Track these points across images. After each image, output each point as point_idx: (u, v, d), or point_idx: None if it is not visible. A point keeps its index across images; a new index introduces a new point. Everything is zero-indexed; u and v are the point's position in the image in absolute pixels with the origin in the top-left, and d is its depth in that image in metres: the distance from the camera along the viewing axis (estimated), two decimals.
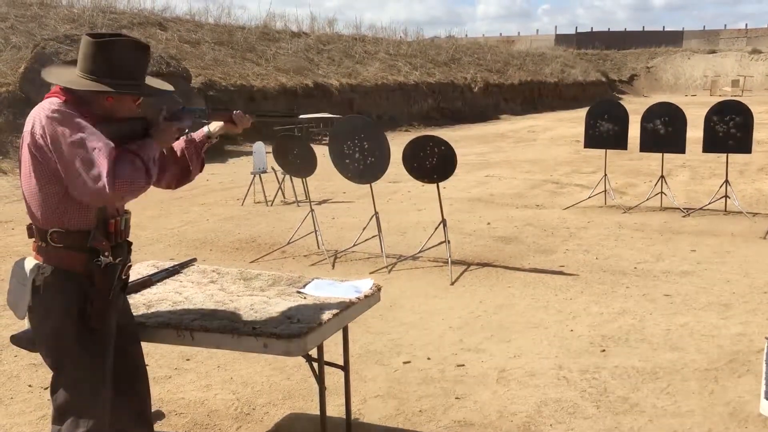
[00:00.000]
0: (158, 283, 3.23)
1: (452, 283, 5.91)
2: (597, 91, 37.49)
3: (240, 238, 7.65)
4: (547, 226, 8.11)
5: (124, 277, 2.54)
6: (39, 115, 2.30)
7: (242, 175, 12.01)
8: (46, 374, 4.02)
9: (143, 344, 2.72)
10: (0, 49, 15.79)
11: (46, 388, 3.88)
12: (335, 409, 3.51)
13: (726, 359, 4.24)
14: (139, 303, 2.95)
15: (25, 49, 15.77)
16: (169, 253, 6.89)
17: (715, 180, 10.48)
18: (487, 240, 7.45)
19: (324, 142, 15.31)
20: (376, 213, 6.82)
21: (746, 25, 52.22)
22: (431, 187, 6.83)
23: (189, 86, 16.39)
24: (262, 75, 20.71)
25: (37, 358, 4.09)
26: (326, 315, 2.78)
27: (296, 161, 6.95)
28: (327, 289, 3.09)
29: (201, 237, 7.72)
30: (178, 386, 3.97)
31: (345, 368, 3.22)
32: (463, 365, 4.21)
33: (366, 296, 3.06)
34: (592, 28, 64.83)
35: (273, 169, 9.31)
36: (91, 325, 2.39)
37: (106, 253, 2.39)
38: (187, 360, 4.31)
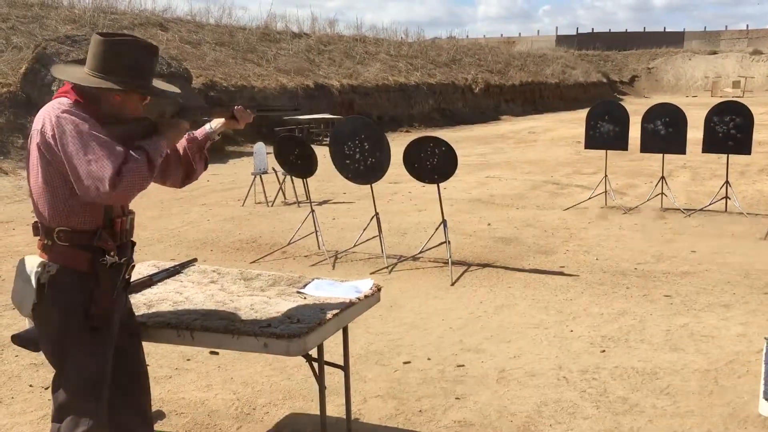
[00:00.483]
0: (159, 283, 3.24)
1: (452, 284, 5.92)
2: (598, 92, 37.50)
3: (241, 239, 7.66)
4: (548, 226, 8.12)
5: (127, 277, 2.56)
6: (49, 114, 2.31)
7: (243, 175, 12.02)
8: (47, 374, 4.03)
9: (144, 344, 2.72)
10: (1, 49, 15.82)
11: (47, 388, 3.89)
12: (335, 409, 3.52)
13: (726, 360, 4.24)
14: (140, 303, 2.96)
15: (26, 49, 15.80)
16: (170, 253, 6.90)
17: (715, 181, 10.49)
18: (488, 241, 7.45)
19: (325, 142, 15.32)
20: (377, 213, 6.83)
21: (747, 26, 52.25)
22: (432, 188, 6.84)
23: (190, 87, 16.40)
24: (263, 76, 20.73)
25: (38, 358, 4.10)
26: (326, 315, 2.79)
27: (297, 162, 6.95)
28: (327, 289, 3.10)
29: (202, 237, 7.73)
30: (179, 386, 3.97)
31: (345, 368, 3.22)
32: (463, 365, 4.21)
33: (366, 296, 3.06)
34: (593, 29, 64.94)
35: (274, 169, 9.32)
36: (94, 325, 2.40)
37: (112, 253, 2.41)
38: (188, 360, 4.32)
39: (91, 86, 2.38)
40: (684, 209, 8.81)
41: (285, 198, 9.93)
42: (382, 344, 4.59)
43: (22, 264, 2.43)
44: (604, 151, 9.39)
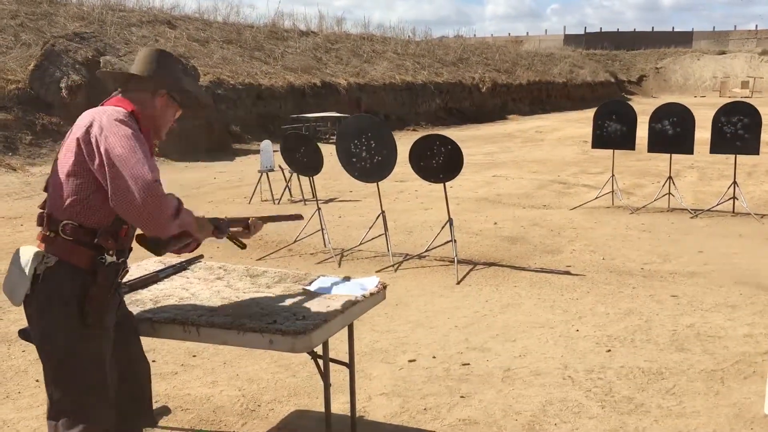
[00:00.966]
0: (165, 279, 3.25)
1: (458, 283, 5.92)
2: (606, 91, 37.40)
3: None
4: (554, 226, 8.10)
5: (119, 280, 2.56)
6: (101, 116, 2.35)
7: (250, 173, 12.05)
8: None
9: (150, 340, 2.74)
10: (10, 46, 15.88)
11: None
12: (340, 406, 3.52)
13: (732, 360, 4.23)
14: (146, 299, 2.97)
15: (34, 46, 15.87)
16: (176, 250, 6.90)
17: (723, 181, 10.45)
18: (494, 240, 7.44)
19: (331, 140, 15.33)
20: (383, 212, 6.83)
21: (756, 26, 51.98)
22: (438, 187, 6.83)
23: (197, 84, 16.42)
24: (271, 74, 20.75)
25: None
26: (331, 312, 2.79)
27: (303, 160, 6.96)
28: (333, 286, 3.10)
29: None
30: (185, 382, 3.99)
31: (350, 366, 3.23)
32: (468, 364, 4.21)
33: (371, 294, 3.06)
34: (601, 28, 64.67)
35: (280, 167, 9.34)
36: (87, 322, 2.39)
37: (111, 252, 2.42)
38: (194, 356, 4.33)
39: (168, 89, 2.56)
40: (691, 209, 8.78)
41: (291, 196, 9.94)
42: (387, 342, 4.59)
43: (17, 254, 2.42)
44: (611, 150, 9.37)
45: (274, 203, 9.63)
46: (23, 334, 2.62)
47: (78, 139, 2.33)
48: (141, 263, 3.37)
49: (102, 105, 2.49)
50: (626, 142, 9.08)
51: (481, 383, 3.95)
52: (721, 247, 7.04)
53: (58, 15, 18.69)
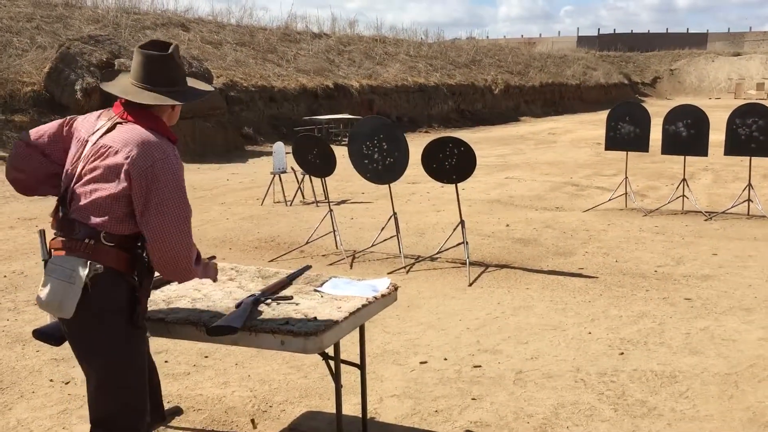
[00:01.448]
0: None
1: (470, 284, 5.91)
2: (619, 93, 37.23)
3: (259, 237, 7.70)
4: (567, 228, 8.07)
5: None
6: (152, 151, 2.35)
7: (262, 175, 12.08)
8: (68, 369, 4.09)
9: (163, 340, 2.77)
10: (26, 49, 16.03)
11: (68, 383, 3.94)
12: (351, 407, 3.52)
13: (746, 364, 4.19)
14: (159, 299, 2.99)
15: (50, 49, 16.01)
16: None
17: (738, 183, 10.36)
18: (506, 242, 7.42)
19: (343, 142, 15.35)
20: (395, 213, 6.83)
21: None
22: (450, 188, 6.83)
23: (211, 86, 16.50)
24: (283, 76, 20.82)
25: (59, 353, 4.15)
26: (343, 313, 2.79)
27: (316, 161, 6.98)
28: (344, 287, 3.11)
29: (221, 236, 7.78)
30: (197, 383, 4.00)
31: (361, 367, 3.23)
32: (480, 366, 4.20)
33: (383, 295, 3.07)
34: (614, 30, 64.36)
35: (292, 169, 9.36)
36: (137, 324, 2.43)
37: (145, 254, 2.44)
38: (206, 357, 4.35)
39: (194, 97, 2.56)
40: (705, 212, 8.72)
41: (303, 197, 9.97)
42: (398, 344, 4.59)
43: (55, 264, 2.35)
44: (625, 152, 9.32)
45: (287, 205, 9.65)
46: (37, 334, 2.64)
47: (127, 172, 2.31)
48: None
49: (125, 112, 2.45)
50: (640, 143, 9.03)
51: (493, 385, 3.93)
52: (735, 250, 6.98)
53: (73, 18, 18.85)
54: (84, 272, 2.30)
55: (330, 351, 2.83)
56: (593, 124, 22.92)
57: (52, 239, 2.45)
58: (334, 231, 7.01)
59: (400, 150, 6.49)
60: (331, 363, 2.90)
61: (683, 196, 8.89)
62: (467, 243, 6.43)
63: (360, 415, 3.33)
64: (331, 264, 6.59)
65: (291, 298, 2.97)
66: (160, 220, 2.33)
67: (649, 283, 5.88)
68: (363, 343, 3.22)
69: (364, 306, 2.92)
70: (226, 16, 26.02)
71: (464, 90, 27.20)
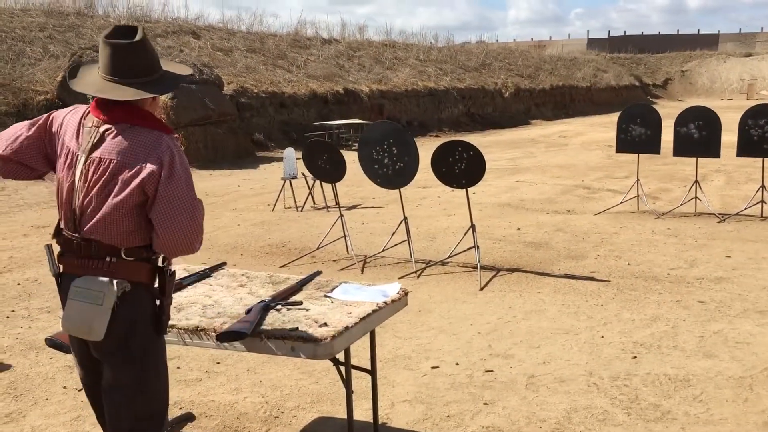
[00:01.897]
0: (188, 287, 3.28)
1: (481, 289, 5.89)
2: (630, 95, 37.08)
3: (270, 243, 7.72)
4: (578, 231, 8.03)
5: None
6: (162, 151, 2.29)
7: (273, 180, 12.12)
8: None
9: (175, 347, 2.77)
10: (38, 57, 16.17)
11: (81, 390, 3.96)
12: (363, 413, 3.52)
13: (761, 367, 4.15)
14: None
15: (62, 57, 16.14)
16: (201, 257, 6.96)
17: (751, 185, 10.28)
18: (517, 245, 7.40)
19: (354, 147, 15.37)
20: (405, 218, 6.83)
21: None
22: (461, 193, 6.81)
23: (221, 94, 16.58)
24: (293, 82, 20.89)
25: (72, 360, 4.17)
26: (353, 319, 2.79)
27: (326, 167, 6.99)
28: (354, 293, 3.11)
29: (232, 242, 7.80)
30: (209, 389, 4.01)
31: (372, 372, 3.23)
32: (492, 371, 4.19)
33: (393, 301, 3.07)
34: (625, 31, 64.22)
35: (303, 174, 9.38)
36: (163, 333, 2.44)
37: (166, 262, 2.43)
38: (218, 363, 4.36)
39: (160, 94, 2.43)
40: (718, 214, 8.66)
41: (314, 203, 9.98)
42: (410, 348, 4.58)
43: (80, 287, 2.27)
44: (636, 154, 9.28)
45: (297, 210, 9.67)
46: (50, 341, 2.66)
47: (143, 181, 2.25)
48: None
49: (108, 112, 2.32)
50: (651, 145, 8.98)
51: (505, 390, 3.92)
52: (749, 252, 6.92)
53: (85, 27, 19.00)
54: (113, 293, 2.24)
55: (341, 356, 2.83)
56: (604, 127, 22.84)
57: (64, 258, 2.38)
58: (345, 236, 7.02)
59: (410, 154, 6.50)
60: (342, 369, 2.90)
61: (696, 198, 8.84)
62: (478, 247, 6.41)
63: (372, 421, 3.33)
64: (342, 269, 6.59)
65: (301, 303, 2.98)
66: (173, 210, 2.33)
67: (662, 286, 5.84)
68: (374, 348, 3.22)
69: (374, 311, 2.92)
70: (237, 23, 26.13)
71: (474, 93, 27.18)
